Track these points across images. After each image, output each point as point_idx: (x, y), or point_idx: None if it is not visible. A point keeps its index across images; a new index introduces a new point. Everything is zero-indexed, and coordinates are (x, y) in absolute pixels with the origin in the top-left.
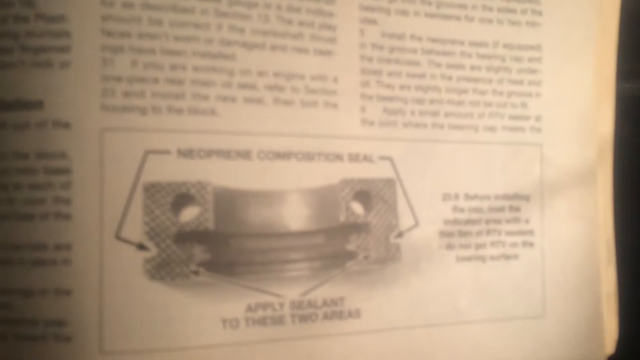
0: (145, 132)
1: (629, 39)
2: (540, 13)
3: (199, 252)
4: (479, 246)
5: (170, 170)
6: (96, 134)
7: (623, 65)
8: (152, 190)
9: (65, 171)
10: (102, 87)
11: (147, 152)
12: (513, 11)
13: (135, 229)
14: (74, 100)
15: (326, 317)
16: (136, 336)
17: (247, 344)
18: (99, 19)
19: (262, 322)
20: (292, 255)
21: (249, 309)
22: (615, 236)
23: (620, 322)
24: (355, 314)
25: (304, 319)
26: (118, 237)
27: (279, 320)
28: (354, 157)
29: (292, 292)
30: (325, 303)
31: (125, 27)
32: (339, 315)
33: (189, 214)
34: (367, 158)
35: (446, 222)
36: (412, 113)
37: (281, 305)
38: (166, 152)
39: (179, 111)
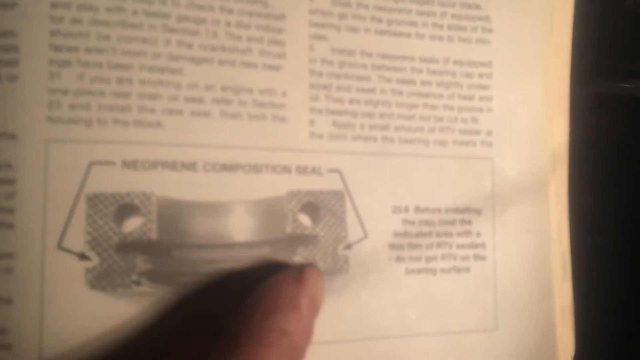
0: (90, 144)
1: (628, 39)
2: (490, 30)
3: (141, 262)
4: (430, 259)
5: (115, 181)
6: (41, 145)
7: (623, 65)
8: (95, 200)
9: (10, 181)
10: (49, 99)
11: (92, 163)
12: (464, 29)
13: (77, 239)
14: (20, 112)
15: None
16: (76, 345)
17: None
18: (47, 34)
19: None
20: (237, 266)
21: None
22: (585, 250)
23: (578, 337)
24: None
25: None
26: (60, 246)
27: None
28: (302, 170)
29: None
30: None
31: (73, 42)
32: None
33: (132, 224)
34: (315, 170)
35: (396, 234)
36: (362, 127)
37: None
38: (111, 163)
39: (125, 123)
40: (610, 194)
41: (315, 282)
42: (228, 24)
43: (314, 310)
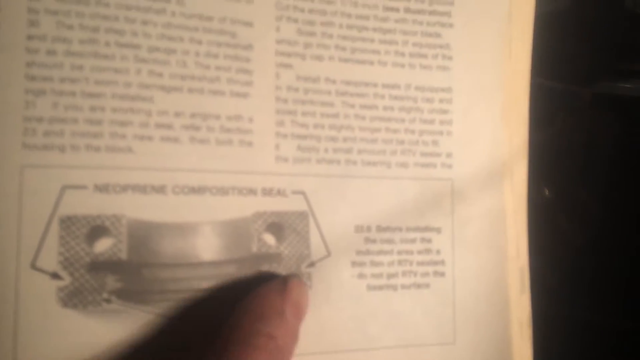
0: (64, 169)
1: (628, 39)
2: (450, 58)
3: (112, 281)
4: (391, 275)
5: (87, 204)
6: (17, 170)
7: (623, 65)
8: (68, 222)
9: None
10: (24, 126)
11: (65, 187)
12: (424, 56)
13: (50, 259)
14: None
15: None
16: None
17: None
18: (23, 65)
19: None
20: (204, 284)
21: None
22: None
23: (536, 349)
24: None
25: None
26: (33, 266)
27: None
28: (267, 192)
29: None
30: None
31: (48, 72)
32: None
33: (103, 244)
34: (280, 192)
35: (358, 252)
36: (326, 150)
37: None
38: (83, 187)
39: (97, 149)
40: (610, 194)
41: (299, 291)
42: (197, 54)
43: (299, 316)
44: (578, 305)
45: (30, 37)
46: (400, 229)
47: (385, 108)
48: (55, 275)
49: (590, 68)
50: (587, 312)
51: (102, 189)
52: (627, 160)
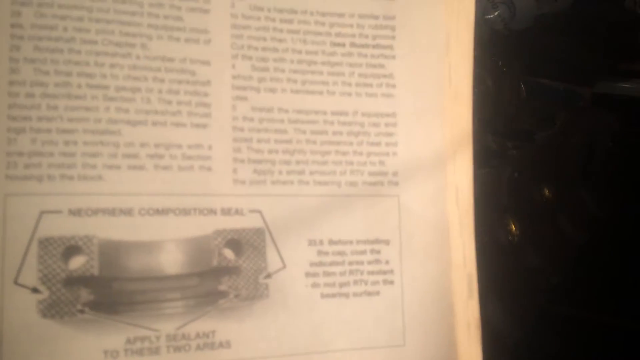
0: (41, 196)
1: (628, 39)
2: (394, 86)
3: (85, 294)
4: (343, 284)
5: (62, 227)
6: (1, 198)
7: (623, 65)
8: (46, 243)
9: None
10: (7, 160)
11: (42, 212)
12: (370, 85)
13: (30, 276)
14: None
15: (199, 347)
16: None
17: None
18: (6, 107)
19: (139, 352)
20: (169, 295)
21: (129, 341)
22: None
23: (485, 350)
24: (225, 344)
25: (178, 349)
26: (16, 282)
27: (155, 351)
28: (226, 211)
29: (167, 327)
30: (197, 335)
31: (27, 113)
32: (211, 346)
33: (76, 262)
34: (238, 212)
35: (312, 264)
36: (280, 172)
37: (157, 338)
38: (58, 211)
39: (70, 178)
40: (610, 194)
41: None
42: (160, 91)
43: None
44: (578, 305)
45: (11, 83)
46: (351, 242)
47: (334, 133)
48: (35, 290)
49: (590, 68)
50: (588, 311)
51: (75, 213)
52: (627, 160)
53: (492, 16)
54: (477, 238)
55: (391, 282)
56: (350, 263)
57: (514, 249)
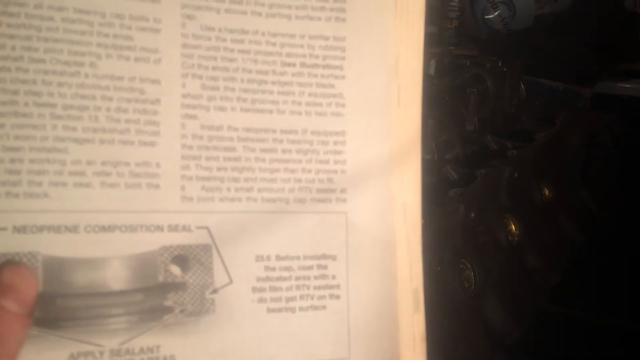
0: None
1: (628, 39)
2: (343, 105)
3: None
4: (289, 299)
5: (6, 243)
6: None
7: (623, 65)
8: None
9: None
10: None
11: None
12: (320, 104)
13: None
14: None
15: None
16: None
17: None
18: None
19: None
20: (113, 311)
21: (72, 357)
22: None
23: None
24: (170, 359)
25: None
26: None
27: None
28: (173, 228)
29: (111, 342)
30: (142, 350)
31: None
32: None
33: None
34: (185, 228)
35: (258, 279)
36: (228, 190)
37: (101, 353)
38: (3, 229)
39: (16, 195)
40: (610, 194)
41: (12, 273)
42: (108, 109)
43: (15, 298)
44: (578, 304)
45: None
46: (298, 257)
47: (283, 151)
48: None
49: (590, 68)
50: (588, 311)
51: (20, 230)
52: (626, 160)
53: (492, 16)
54: (470, 239)
55: (337, 297)
56: (297, 278)
57: (514, 249)
